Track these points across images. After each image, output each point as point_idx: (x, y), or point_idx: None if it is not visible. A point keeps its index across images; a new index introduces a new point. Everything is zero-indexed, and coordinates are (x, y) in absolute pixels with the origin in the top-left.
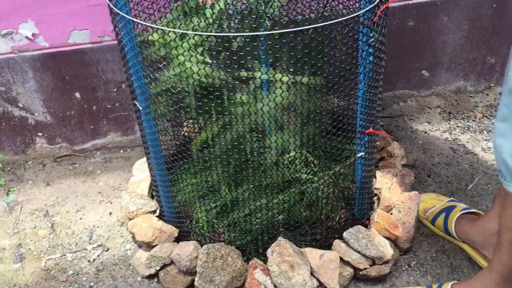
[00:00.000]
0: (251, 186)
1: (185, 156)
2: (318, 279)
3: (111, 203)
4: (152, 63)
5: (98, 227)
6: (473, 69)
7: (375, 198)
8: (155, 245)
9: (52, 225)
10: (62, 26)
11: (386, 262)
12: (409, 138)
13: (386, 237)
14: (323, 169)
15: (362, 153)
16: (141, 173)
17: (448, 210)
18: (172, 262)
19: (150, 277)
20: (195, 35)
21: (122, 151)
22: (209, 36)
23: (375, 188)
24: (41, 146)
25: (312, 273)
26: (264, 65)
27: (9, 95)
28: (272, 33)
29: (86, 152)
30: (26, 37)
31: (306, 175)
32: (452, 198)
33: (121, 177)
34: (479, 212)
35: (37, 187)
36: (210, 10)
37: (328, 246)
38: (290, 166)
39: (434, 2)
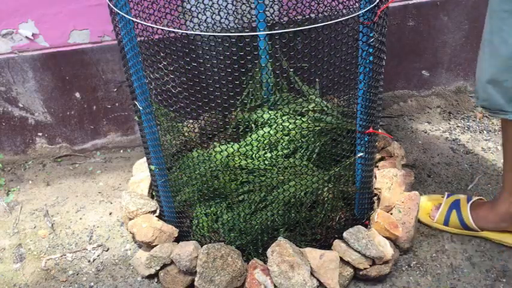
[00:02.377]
0: (250, 187)
1: (184, 155)
2: (318, 279)
3: (111, 203)
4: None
5: (98, 227)
6: (473, 69)
7: (375, 198)
8: (155, 245)
9: (52, 225)
10: (62, 26)
11: (386, 262)
12: (409, 138)
13: (387, 237)
14: (323, 170)
15: (362, 153)
16: (141, 173)
17: (455, 206)
18: (172, 262)
19: (150, 277)
20: (195, 35)
21: (122, 151)
22: (210, 36)
23: (375, 188)
24: (41, 146)
25: (312, 273)
26: (264, 65)
27: (9, 95)
28: (272, 33)
29: (86, 152)
30: (26, 37)
31: (305, 175)
32: (448, 193)
33: (121, 177)
34: (481, 197)
35: (37, 187)
36: None
37: (328, 246)
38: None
39: (434, 2)
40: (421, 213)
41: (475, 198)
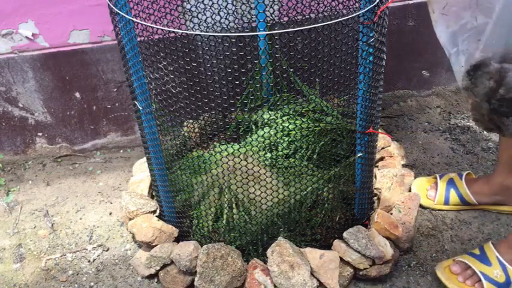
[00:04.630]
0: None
1: (184, 155)
2: (318, 279)
3: (111, 203)
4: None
5: (98, 227)
6: None
7: (375, 198)
8: (155, 245)
9: (52, 225)
10: (62, 26)
11: (387, 262)
12: (409, 138)
13: (387, 237)
14: (323, 170)
15: (361, 153)
16: (141, 173)
17: (451, 184)
18: (172, 262)
19: (150, 277)
20: (195, 35)
21: (122, 151)
22: (210, 36)
23: (375, 188)
24: (41, 146)
25: (312, 273)
26: (264, 65)
27: (9, 95)
28: (272, 33)
29: (86, 152)
30: (26, 37)
31: (306, 175)
32: (439, 175)
33: (121, 177)
34: (469, 172)
35: (37, 187)
36: None
37: (328, 246)
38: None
39: None
40: (421, 195)
41: (464, 174)
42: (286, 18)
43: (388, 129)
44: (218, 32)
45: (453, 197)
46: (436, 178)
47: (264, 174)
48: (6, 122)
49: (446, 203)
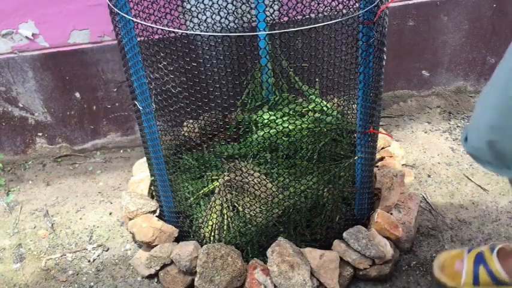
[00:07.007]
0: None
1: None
2: (318, 279)
3: (111, 203)
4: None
5: (98, 227)
6: (473, 69)
7: (375, 198)
8: (155, 245)
9: (52, 225)
10: (62, 26)
11: (387, 262)
12: (409, 138)
13: (386, 237)
14: (323, 171)
15: (361, 154)
16: (141, 173)
17: (480, 259)
18: (172, 262)
19: (150, 277)
20: (195, 35)
21: (122, 151)
22: (209, 36)
23: (375, 188)
24: (41, 146)
25: (312, 273)
26: (264, 65)
27: (9, 95)
28: (272, 33)
29: (86, 152)
30: (26, 37)
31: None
32: (468, 249)
33: (121, 177)
34: (506, 244)
35: (37, 187)
36: None
37: (328, 247)
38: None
39: (434, 2)
40: (447, 275)
41: (499, 246)
42: (286, 18)
43: (388, 129)
44: (218, 32)
45: (483, 274)
46: (463, 253)
47: (264, 174)
48: (6, 122)
49: (476, 282)
